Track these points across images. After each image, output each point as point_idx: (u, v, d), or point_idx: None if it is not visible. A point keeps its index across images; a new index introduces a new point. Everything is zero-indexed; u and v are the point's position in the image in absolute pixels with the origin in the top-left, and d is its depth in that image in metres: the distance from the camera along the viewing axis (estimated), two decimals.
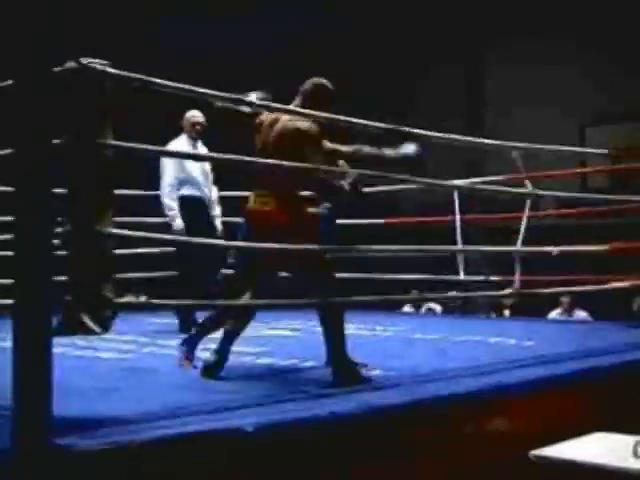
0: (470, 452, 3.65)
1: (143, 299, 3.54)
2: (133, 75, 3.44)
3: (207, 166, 6.53)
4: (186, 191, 6.37)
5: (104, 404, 3.31)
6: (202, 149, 6.51)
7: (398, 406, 3.46)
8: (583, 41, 12.33)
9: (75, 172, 3.27)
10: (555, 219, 10.14)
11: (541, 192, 5.46)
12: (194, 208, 6.37)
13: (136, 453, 2.65)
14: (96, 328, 3.08)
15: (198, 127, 6.47)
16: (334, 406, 3.29)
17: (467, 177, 10.87)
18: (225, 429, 2.89)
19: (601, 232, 7.05)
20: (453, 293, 7.31)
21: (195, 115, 6.46)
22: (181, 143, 6.42)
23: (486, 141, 5.47)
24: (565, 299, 8.80)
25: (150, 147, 3.57)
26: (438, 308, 9.96)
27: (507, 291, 4.86)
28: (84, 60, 3.30)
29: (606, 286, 5.90)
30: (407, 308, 10.02)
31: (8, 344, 2.49)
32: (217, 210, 6.72)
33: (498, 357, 4.69)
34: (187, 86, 3.65)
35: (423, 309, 9.97)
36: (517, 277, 4.85)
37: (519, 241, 5.15)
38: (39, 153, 2.54)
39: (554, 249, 5.29)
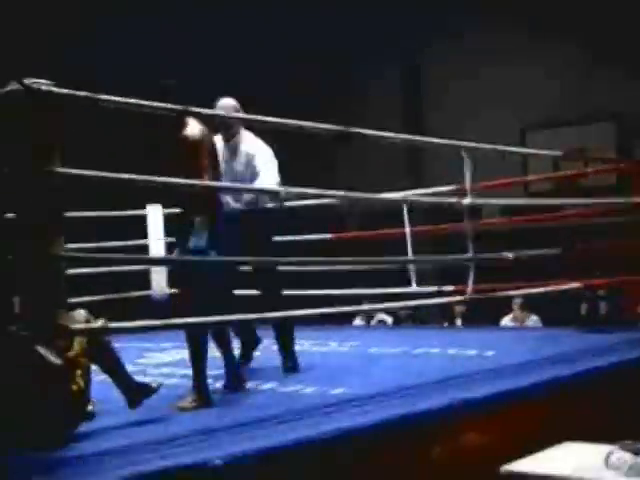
0: (441, 471, 3.57)
1: (100, 323, 3.36)
2: (80, 93, 3.31)
3: None
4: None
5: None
6: None
7: (366, 428, 3.36)
8: (534, 37, 12.24)
9: (23, 199, 3.12)
10: (502, 226, 10.16)
11: (480, 201, 5.45)
12: None
13: None
14: (56, 360, 2.93)
15: None
16: (298, 432, 3.18)
17: (408, 182, 10.90)
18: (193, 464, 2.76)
19: (549, 237, 7.05)
20: (410, 303, 7.22)
21: None
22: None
23: (437, 140, 5.40)
24: (517, 305, 8.82)
25: (99, 173, 3.44)
26: (389, 319, 9.89)
27: (464, 296, 4.81)
28: (28, 81, 3.14)
29: (560, 287, 5.89)
30: (358, 321, 9.92)
31: None
32: None
33: (460, 370, 4.62)
34: (136, 100, 3.53)
35: (374, 321, 9.89)
36: (470, 284, 4.81)
37: (470, 248, 5.09)
38: None
39: (509, 255, 5.25)
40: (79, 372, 3.19)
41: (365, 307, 6.77)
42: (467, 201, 4.97)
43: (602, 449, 3.76)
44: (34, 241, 3.09)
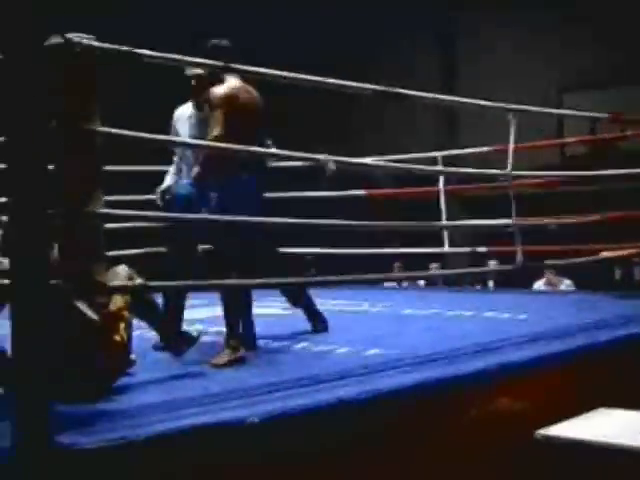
0: (476, 435, 3.56)
1: (140, 281, 3.37)
2: (122, 48, 3.29)
3: None
4: None
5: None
6: None
7: (403, 390, 3.35)
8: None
9: (62, 155, 3.12)
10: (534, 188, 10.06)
11: (517, 172, 5.32)
12: None
13: (139, 449, 2.53)
14: (93, 315, 2.94)
15: None
16: (340, 391, 3.18)
17: (442, 145, 10.81)
18: (229, 421, 2.77)
19: (581, 202, 6.95)
20: (461, 270, 7.14)
21: None
22: None
23: (483, 102, 5.22)
24: (550, 276, 8.74)
25: (137, 134, 3.42)
26: (421, 281, 9.88)
27: (515, 264, 4.71)
28: (70, 35, 3.12)
29: (612, 254, 5.81)
30: (389, 282, 9.92)
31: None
32: None
33: (496, 333, 4.59)
34: (178, 56, 3.51)
35: (405, 282, 9.88)
36: (519, 249, 4.71)
37: (513, 213, 5.02)
38: (31, 138, 2.38)
39: (552, 221, 5.19)
40: (122, 325, 3.20)
41: (419, 273, 6.63)
42: (509, 170, 4.84)
43: (636, 415, 3.75)
44: (73, 197, 3.10)
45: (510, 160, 4.81)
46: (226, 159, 4.20)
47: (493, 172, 5.14)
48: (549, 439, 3.62)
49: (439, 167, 7.12)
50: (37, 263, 2.36)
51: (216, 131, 4.08)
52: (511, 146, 4.85)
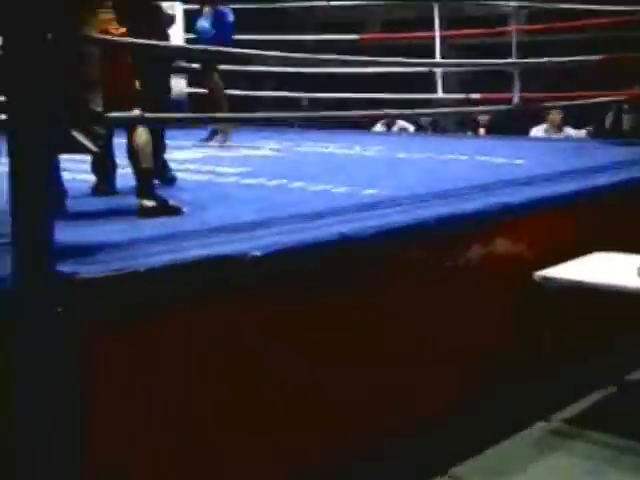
0: (475, 275, 3.55)
1: (136, 112, 3.22)
2: None
3: None
4: None
5: (98, 228, 3.12)
6: None
7: (402, 228, 3.30)
8: None
9: None
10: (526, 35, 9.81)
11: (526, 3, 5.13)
12: None
13: (139, 279, 2.48)
14: (90, 145, 2.82)
15: None
16: (340, 227, 3.12)
17: None
18: (229, 254, 2.71)
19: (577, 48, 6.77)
20: (458, 109, 6.95)
21: None
22: None
23: None
24: (556, 116, 8.44)
25: None
26: (411, 127, 9.72)
27: (512, 105, 4.61)
28: None
29: (606, 98, 5.71)
30: (379, 127, 9.76)
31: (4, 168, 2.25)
32: None
33: (492, 176, 4.53)
34: None
35: (395, 128, 9.72)
36: (516, 92, 4.60)
37: (513, 54, 4.89)
38: None
39: (547, 59, 5.04)
40: None
41: (408, 112, 6.33)
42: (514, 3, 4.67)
43: (633, 259, 3.75)
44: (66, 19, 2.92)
45: None
46: None
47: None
48: (547, 280, 3.63)
49: None
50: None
51: None
52: None
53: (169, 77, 4.21)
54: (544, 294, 3.59)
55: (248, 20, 7.09)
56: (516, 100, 4.57)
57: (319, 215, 3.36)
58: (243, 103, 7.31)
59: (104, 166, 4.12)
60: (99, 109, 2.93)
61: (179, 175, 4.61)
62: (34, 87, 2.17)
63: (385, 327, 3.15)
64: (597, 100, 5.74)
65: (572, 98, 5.98)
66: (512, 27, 4.76)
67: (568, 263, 3.76)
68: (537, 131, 8.48)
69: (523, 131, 8.51)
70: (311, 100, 8.92)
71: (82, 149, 2.89)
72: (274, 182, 4.49)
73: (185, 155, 5.67)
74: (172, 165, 4.65)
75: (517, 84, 4.64)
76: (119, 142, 3.88)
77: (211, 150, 6.22)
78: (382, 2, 10.90)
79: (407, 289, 3.25)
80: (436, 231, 3.41)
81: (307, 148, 6.48)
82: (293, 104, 8.59)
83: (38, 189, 2.19)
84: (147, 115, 3.11)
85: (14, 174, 2.17)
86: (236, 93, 7.45)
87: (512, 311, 3.62)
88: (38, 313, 2.23)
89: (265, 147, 6.38)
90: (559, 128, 8.42)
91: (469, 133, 9.72)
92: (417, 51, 7.61)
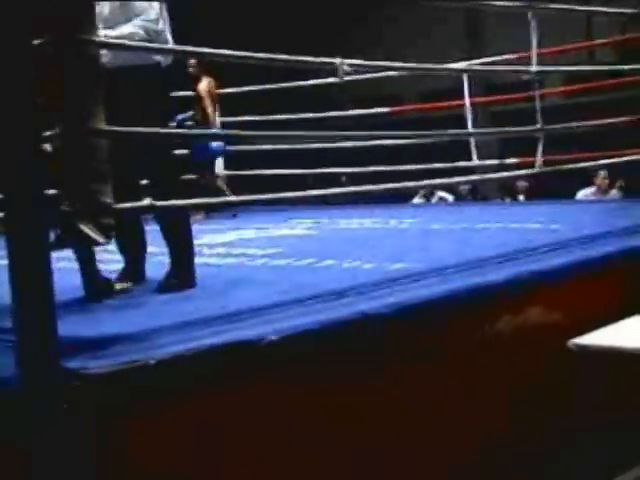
0: (508, 345, 3.44)
1: (146, 202, 3.22)
2: None
3: None
4: None
5: (112, 321, 3.09)
6: None
7: (433, 300, 3.22)
8: None
9: (60, 70, 2.96)
10: (563, 98, 9.77)
11: (541, 67, 5.06)
12: None
13: (151, 372, 2.43)
14: (98, 238, 2.80)
15: None
16: (363, 305, 3.05)
17: (469, 57, 10.50)
18: (244, 340, 2.65)
19: (614, 106, 6.69)
20: (481, 176, 6.93)
21: None
22: None
23: (499, 2, 4.91)
24: (601, 179, 8.30)
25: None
26: (450, 197, 9.69)
27: (534, 169, 4.54)
28: None
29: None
30: (417, 199, 9.74)
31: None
32: None
33: (526, 243, 4.44)
34: None
35: (434, 199, 9.70)
36: (539, 155, 4.54)
37: (538, 119, 4.83)
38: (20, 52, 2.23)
39: (577, 124, 4.98)
40: None
41: (432, 182, 6.34)
42: (535, 68, 4.64)
43: None
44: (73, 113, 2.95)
45: (534, 59, 4.59)
46: None
47: (517, 69, 4.94)
48: (582, 348, 3.49)
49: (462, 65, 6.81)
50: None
51: None
52: (534, 46, 4.61)
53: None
54: (579, 362, 3.45)
55: (279, 99, 7.16)
56: (538, 162, 4.50)
57: (341, 294, 3.30)
58: (274, 181, 7.34)
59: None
60: (109, 200, 2.93)
61: (209, 261, 4.60)
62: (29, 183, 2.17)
63: (410, 408, 3.04)
64: (623, 159, 5.62)
65: (605, 157, 5.88)
66: (535, 92, 4.68)
67: (604, 329, 3.63)
68: (584, 194, 8.38)
69: (558, 194, 8.41)
70: (349, 176, 8.94)
71: (89, 242, 2.88)
72: (303, 262, 4.45)
73: (217, 238, 5.68)
74: (203, 249, 4.64)
75: (540, 148, 4.57)
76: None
77: (246, 232, 6.22)
78: (408, 73, 10.97)
79: (436, 365, 3.15)
80: (466, 302, 3.32)
81: (342, 225, 6.45)
82: (332, 181, 8.61)
83: (37, 283, 2.17)
84: (157, 204, 3.10)
85: (13, 274, 2.15)
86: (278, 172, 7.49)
87: (545, 381, 3.48)
88: (44, 410, 2.19)
89: (300, 226, 6.37)
90: (606, 191, 8.32)
91: (507, 200, 9.64)
92: (452, 119, 7.63)
